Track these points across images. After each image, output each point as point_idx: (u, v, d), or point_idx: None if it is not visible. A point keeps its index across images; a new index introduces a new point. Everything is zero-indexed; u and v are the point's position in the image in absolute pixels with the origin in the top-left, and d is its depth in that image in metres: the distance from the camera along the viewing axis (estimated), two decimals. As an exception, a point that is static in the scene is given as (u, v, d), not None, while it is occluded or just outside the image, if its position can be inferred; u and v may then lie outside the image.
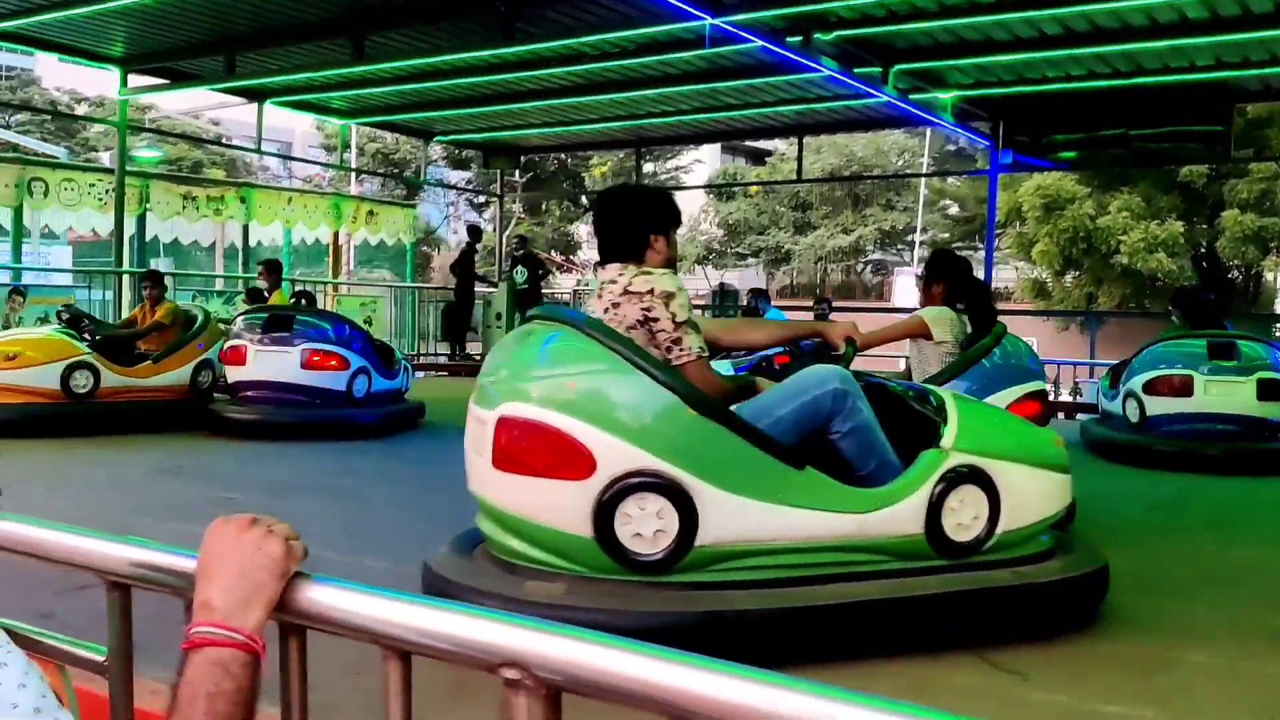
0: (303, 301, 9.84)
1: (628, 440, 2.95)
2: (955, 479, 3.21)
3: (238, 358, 8.18)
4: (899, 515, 3.15)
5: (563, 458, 2.98)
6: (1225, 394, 7.46)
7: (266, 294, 9.67)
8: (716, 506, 2.96)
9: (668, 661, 0.90)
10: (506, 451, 3.08)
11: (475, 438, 3.26)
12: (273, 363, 8.09)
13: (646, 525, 2.94)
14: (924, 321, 4.96)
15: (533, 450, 3.03)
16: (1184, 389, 7.54)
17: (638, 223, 3.37)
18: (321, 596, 1.09)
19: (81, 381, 7.81)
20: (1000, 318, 5.14)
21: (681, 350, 3.13)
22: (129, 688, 1.34)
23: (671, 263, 3.43)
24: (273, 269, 9.88)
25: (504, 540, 3.20)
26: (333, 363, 8.15)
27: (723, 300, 22.73)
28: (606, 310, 3.22)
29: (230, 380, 8.36)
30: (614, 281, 3.24)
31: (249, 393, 8.18)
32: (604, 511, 2.93)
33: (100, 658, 1.35)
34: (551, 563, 3.09)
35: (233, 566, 1.07)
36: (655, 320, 3.14)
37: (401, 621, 1.04)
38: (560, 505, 3.00)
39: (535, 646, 0.95)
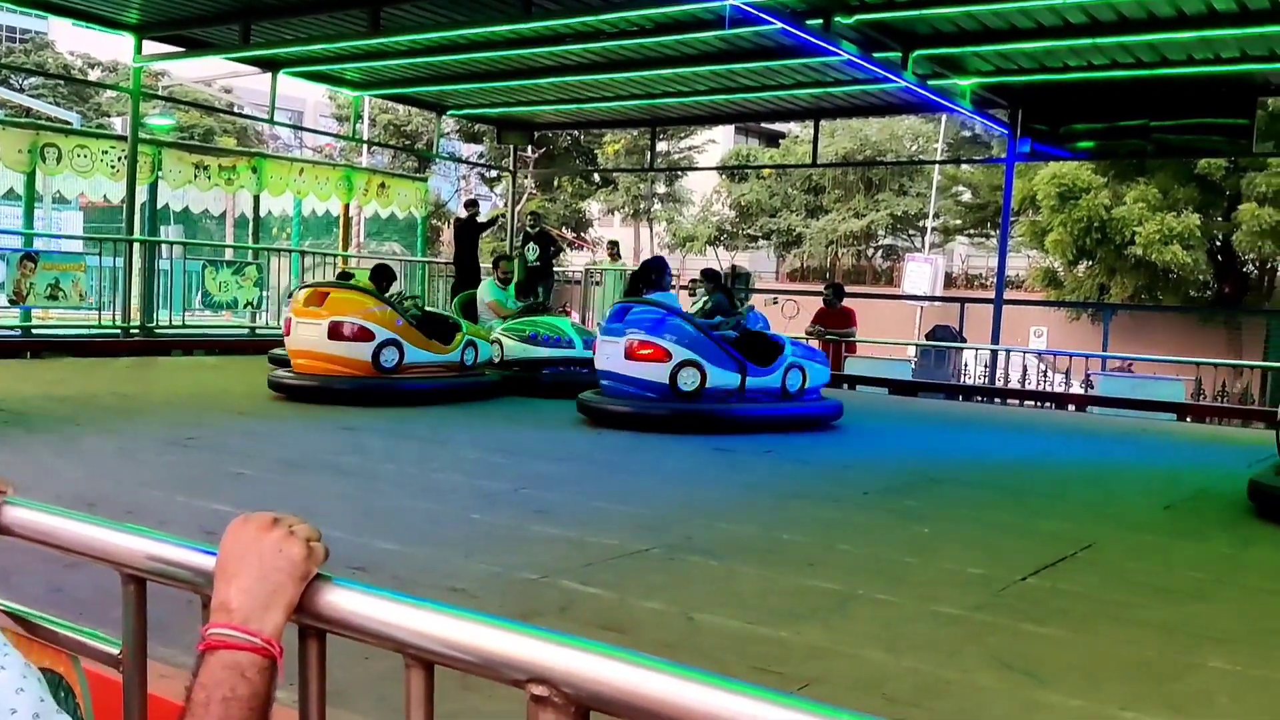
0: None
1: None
2: None
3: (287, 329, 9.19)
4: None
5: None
6: None
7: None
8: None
9: (702, 684, 0.87)
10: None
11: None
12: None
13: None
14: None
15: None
16: None
17: None
18: (344, 601, 1.06)
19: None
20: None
21: None
22: (143, 681, 1.32)
23: None
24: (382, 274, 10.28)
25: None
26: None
27: (733, 282, 22.63)
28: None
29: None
30: None
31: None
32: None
33: (114, 650, 1.33)
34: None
35: (252, 568, 1.04)
36: None
37: (426, 631, 1.01)
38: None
39: (565, 662, 0.92)
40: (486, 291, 11.09)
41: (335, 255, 16.51)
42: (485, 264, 16.33)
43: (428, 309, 10.36)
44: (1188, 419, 11.88)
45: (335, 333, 8.65)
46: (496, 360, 9.99)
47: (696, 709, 0.85)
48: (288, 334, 9.10)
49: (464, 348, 9.32)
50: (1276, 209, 22.25)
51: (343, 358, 8.69)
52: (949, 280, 35.19)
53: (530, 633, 0.96)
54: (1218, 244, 24.84)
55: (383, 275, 9.53)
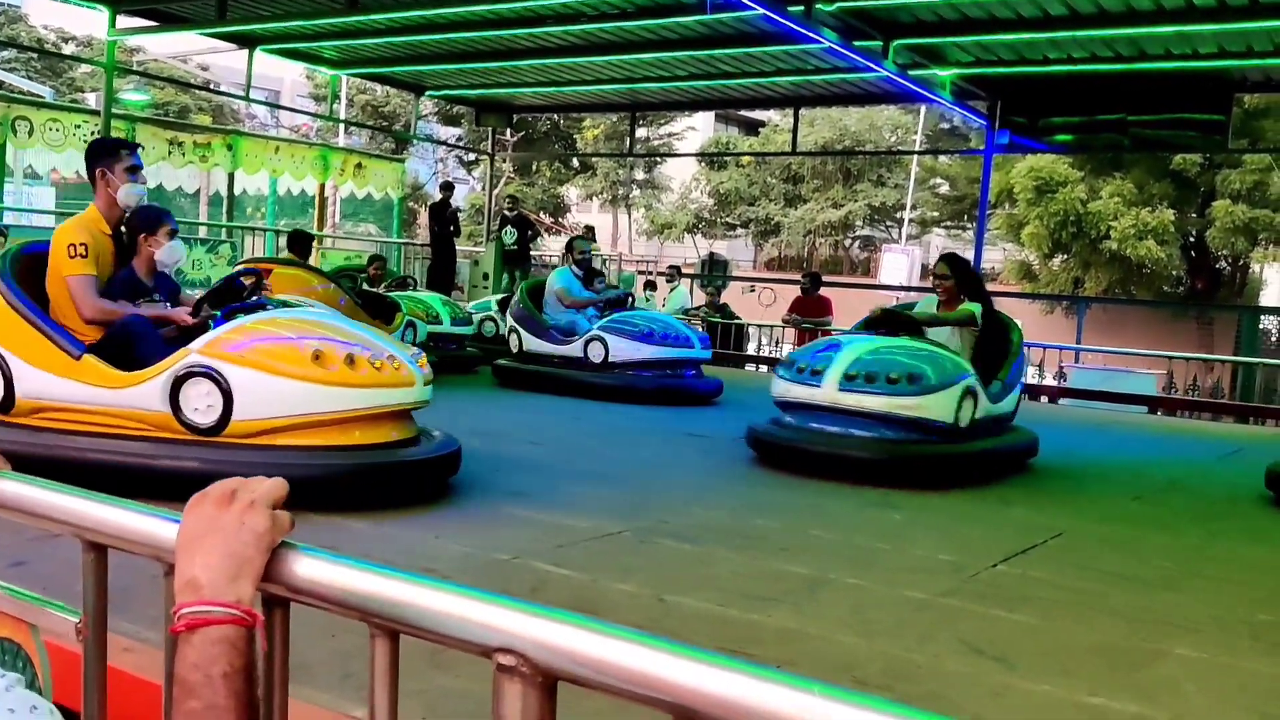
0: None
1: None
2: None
3: None
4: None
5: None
6: None
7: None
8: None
9: (674, 655, 0.85)
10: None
11: None
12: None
13: None
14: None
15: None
16: None
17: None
18: (308, 569, 1.04)
19: None
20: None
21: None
22: (103, 650, 1.29)
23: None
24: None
25: None
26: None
27: (711, 269, 22.62)
28: None
29: None
30: None
31: None
32: None
33: (74, 619, 1.30)
34: None
35: (216, 544, 1.01)
36: None
37: (392, 599, 0.99)
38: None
39: (533, 632, 0.91)
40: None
41: (311, 235, 16.36)
42: (462, 245, 16.26)
43: (365, 288, 10.05)
44: (1159, 412, 11.98)
45: None
46: (598, 361, 8.99)
47: (667, 680, 0.84)
48: None
49: (404, 328, 9.05)
50: (1250, 206, 22.42)
51: None
52: (925, 272, 35.31)
53: (498, 601, 0.94)
54: (1191, 240, 25.00)
55: (299, 242, 9.32)
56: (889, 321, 6.18)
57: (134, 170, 4.68)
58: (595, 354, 9.00)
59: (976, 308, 6.25)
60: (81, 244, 4.45)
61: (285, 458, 4.10)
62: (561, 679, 0.90)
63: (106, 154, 4.67)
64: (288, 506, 1.06)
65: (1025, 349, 7.89)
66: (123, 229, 4.65)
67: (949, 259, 6.66)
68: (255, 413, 4.16)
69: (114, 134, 12.97)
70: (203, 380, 4.15)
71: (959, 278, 6.42)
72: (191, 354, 4.18)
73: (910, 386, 5.58)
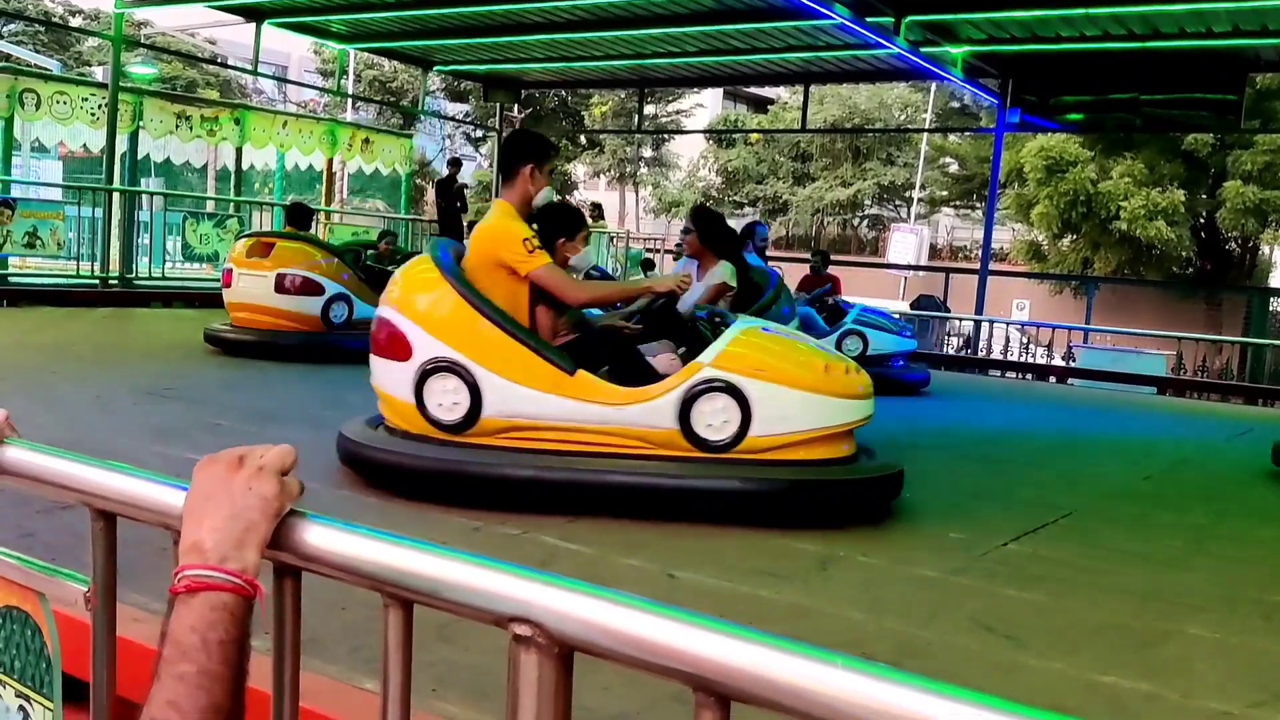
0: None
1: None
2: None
3: None
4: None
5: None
6: None
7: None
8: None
9: (694, 627, 0.83)
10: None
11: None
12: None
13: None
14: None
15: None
16: None
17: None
18: (320, 538, 1.02)
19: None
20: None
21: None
22: (112, 618, 1.28)
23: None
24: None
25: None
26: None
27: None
28: None
29: None
30: None
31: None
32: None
33: (83, 588, 1.29)
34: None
35: (223, 507, 0.99)
36: None
37: (406, 568, 0.97)
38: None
39: (550, 602, 0.89)
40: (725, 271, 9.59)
41: (318, 210, 16.34)
42: (469, 221, 16.18)
43: (370, 264, 10.00)
44: (1168, 392, 11.94)
45: (281, 286, 8.26)
46: (856, 354, 8.46)
47: (686, 652, 0.82)
48: (227, 285, 8.63)
49: None
50: (1261, 187, 22.28)
51: (290, 312, 8.29)
52: (934, 251, 35.22)
53: (514, 571, 0.92)
54: (1201, 221, 24.87)
55: (298, 214, 9.29)
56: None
57: (551, 172, 4.53)
58: (853, 348, 8.73)
59: (728, 268, 5.78)
60: (533, 237, 4.21)
61: (788, 473, 4.04)
62: (578, 650, 0.88)
63: (540, 153, 4.45)
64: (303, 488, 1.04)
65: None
66: (533, 227, 4.38)
67: (693, 212, 6.33)
68: (771, 429, 4.01)
69: (121, 107, 12.93)
70: (719, 395, 3.97)
71: (703, 231, 5.93)
72: (704, 368, 3.99)
73: None
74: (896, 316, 10.39)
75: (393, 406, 4.23)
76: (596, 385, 4.01)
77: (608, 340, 4.38)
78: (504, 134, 20.17)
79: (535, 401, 3.98)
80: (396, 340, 4.11)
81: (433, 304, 4.10)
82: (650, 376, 4.10)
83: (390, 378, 4.17)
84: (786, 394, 4.02)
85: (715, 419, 3.96)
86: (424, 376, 4.02)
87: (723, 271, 5.71)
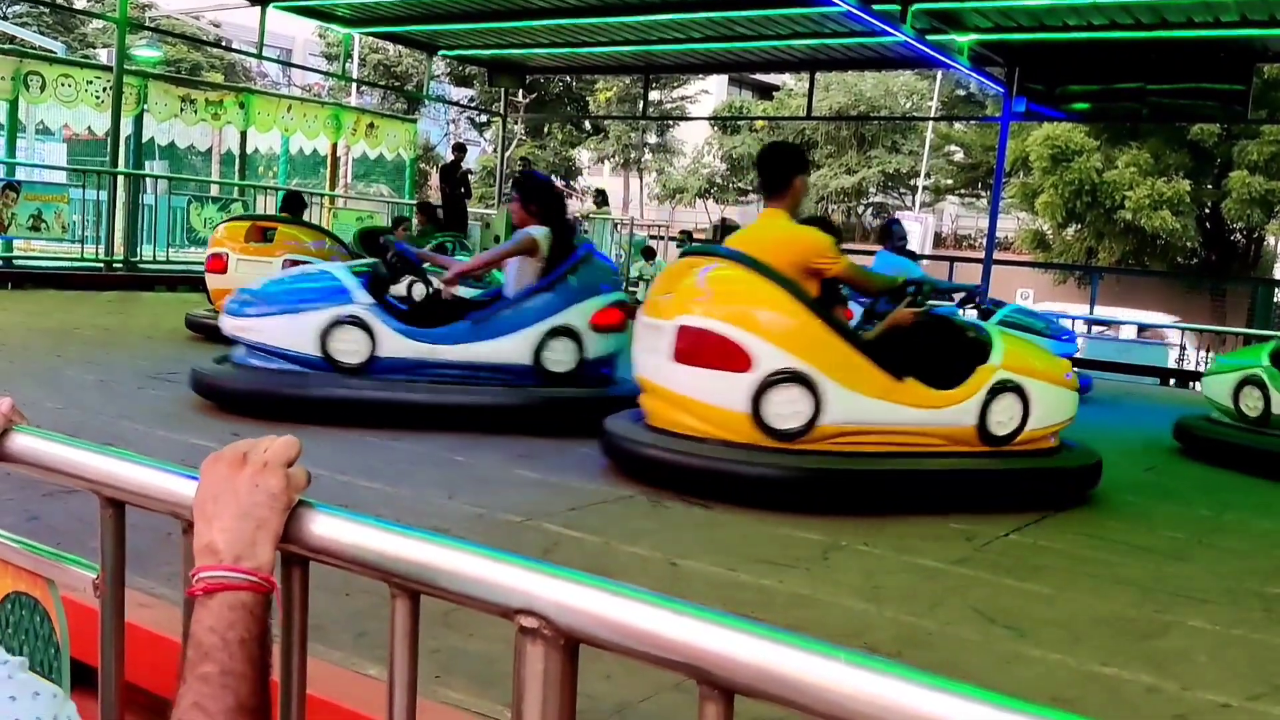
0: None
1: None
2: (999, 389, 4.49)
3: None
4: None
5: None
6: None
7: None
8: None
9: (697, 619, 0.84)
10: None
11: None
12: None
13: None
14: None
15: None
16: None
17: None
18: (328, 529, 1.02)
19: None
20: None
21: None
22: (121, 605, 1.29)
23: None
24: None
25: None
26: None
27: (723, 235, 22.51)
28: None
29: None
30: None
31: None
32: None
33: (92, 575, 1.30)
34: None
35: (231, 506, 1.00)
36: None
37: (414, 559, 0.98)
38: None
39: (557, 594, 0.90)
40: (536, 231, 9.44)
41: (322, 195, 16.33)
42: (473, 207, 16.20)
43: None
44: (1171, 383, 11.93)
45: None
46: None
47: (692, 645, 0.83)
48: (220, 271, 8.24)
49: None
50: (1267, 177, 22.23)
51: None
52: (938, 240, 35.17)
53: (522, 563, 0.93)
54: (1207, 211, 24.82)
55: (291, 203, 9.28)
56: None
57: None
58: None
59: (540, 231, 5.60)
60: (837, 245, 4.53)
61: (1039, 462, 4.65)
62: (584, 642, 0.89)
63: (806, 164, 4.74)
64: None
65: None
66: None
67: (516, 179, 6.26)
68: (1039, 424, 4.62)
69: (126, 90, 12.92)
70: (1007, 395, 4.51)
71: (525, 197, 5.75)
72: (998, 370, 4.51)
73: None
74: (1053, 318, 9.92)
75: (707, 415, 4.24)
76: (920, 391, 4.37)
77: (922, 333, 4.70)
78: (507, 119, 20.04)
79: (869, 408, 4.27)
80: (730, 352, 4.17)
81: (774, 316, 4.23)
82: (951, 367, 4.51)
83: (714, 387, 4.20)
84: (1050, 391, 4.63)
85: (1004, 415, 4.49)
86: (765, 387, 4.14)
87: (533, 231, 5.62)
